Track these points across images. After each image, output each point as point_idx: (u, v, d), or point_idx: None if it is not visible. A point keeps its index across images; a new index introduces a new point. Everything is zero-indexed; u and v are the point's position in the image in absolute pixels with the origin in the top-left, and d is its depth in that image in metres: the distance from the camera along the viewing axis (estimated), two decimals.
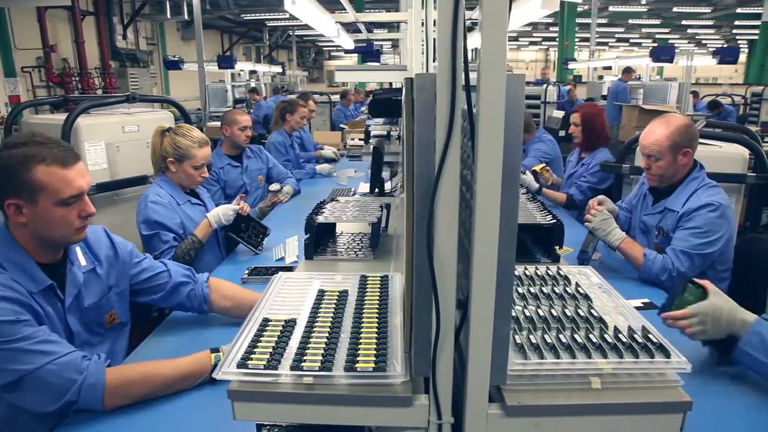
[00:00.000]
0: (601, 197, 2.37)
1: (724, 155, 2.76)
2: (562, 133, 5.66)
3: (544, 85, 9.01)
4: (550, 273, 1.32)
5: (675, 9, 15.47)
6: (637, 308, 1.85)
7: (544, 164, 3.54)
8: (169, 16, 12.40)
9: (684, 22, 17.70)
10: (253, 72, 12.44)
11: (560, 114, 6.89)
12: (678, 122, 2.07)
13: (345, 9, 3.42)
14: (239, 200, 2.52)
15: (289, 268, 2.15)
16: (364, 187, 3.61)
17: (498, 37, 0.72)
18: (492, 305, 0.83)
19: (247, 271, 2.13)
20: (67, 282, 1.44)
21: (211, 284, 1.73)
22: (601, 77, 11.67)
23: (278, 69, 13.27)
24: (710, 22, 17.78)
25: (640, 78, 9.92)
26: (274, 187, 3.37)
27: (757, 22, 15.07)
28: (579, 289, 1.23)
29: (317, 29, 3.38)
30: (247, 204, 2.54)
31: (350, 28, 4.55)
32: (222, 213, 2.35)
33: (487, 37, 0.72)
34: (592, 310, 1.11)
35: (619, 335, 1.01)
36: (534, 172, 3.46)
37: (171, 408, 1.35)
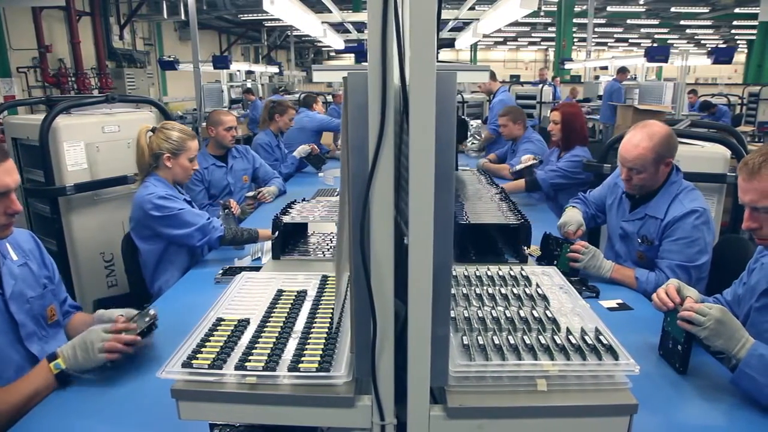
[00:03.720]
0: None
1: (706, 155, 2.75)
2: None
3: (540, 86, 9.01)
4: (513, 273, 1.31)
5: (673, 9, 15.44)
6: (611, 309, 1.87)
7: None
8: (165, 16, 12.37)
9: (683, 22, 17.68)
10: (250, 72, 12.43)
11: None
12: (660, 133, 1.99)
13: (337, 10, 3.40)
14: (230, 202, 2.70)
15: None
16: None
17: (426, 35, 0.72)
18: (429, 306, 0.82)
19: (221, 271, 2.12)
20: (2, 273, 1.46)
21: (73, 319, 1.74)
22: (597, 77, 11.66)
23: (275, 69, 13.22)
24: (709, 22, 17.75)
25: (635, 78, 9.90)
26: (251, 193, 3.41)
27: (756, 22, 15.03)
28: (538, 290, 1.22)
29: (302, 29, 3.37)
30: (237, 205, 2.66)
31: (341, 28, 4.54)
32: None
33: (416, 35, 0.72)
34: (547, 311, 1.10)
35: (570, 337, 1.00)
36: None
37: (130, 402, 1.33)
